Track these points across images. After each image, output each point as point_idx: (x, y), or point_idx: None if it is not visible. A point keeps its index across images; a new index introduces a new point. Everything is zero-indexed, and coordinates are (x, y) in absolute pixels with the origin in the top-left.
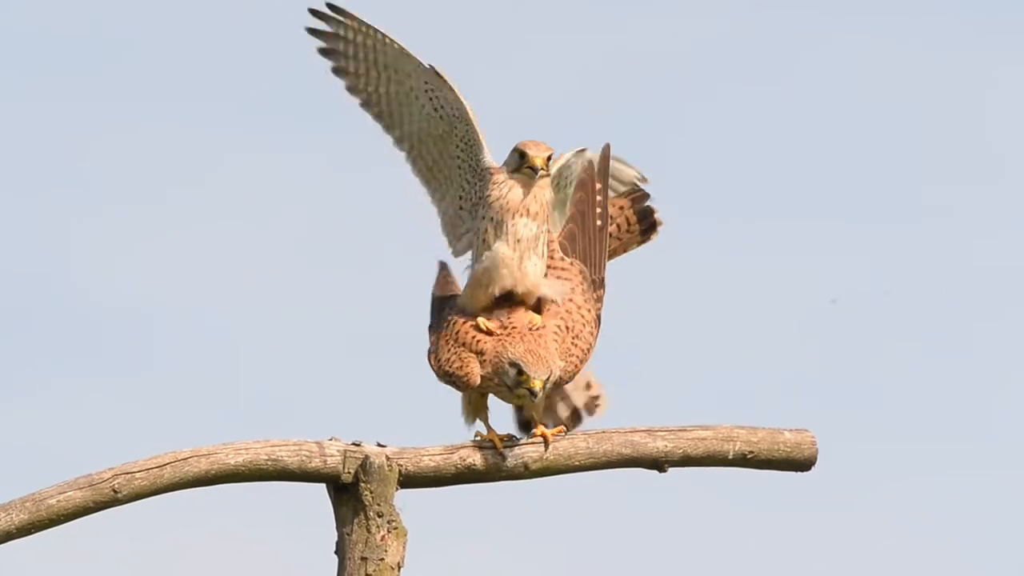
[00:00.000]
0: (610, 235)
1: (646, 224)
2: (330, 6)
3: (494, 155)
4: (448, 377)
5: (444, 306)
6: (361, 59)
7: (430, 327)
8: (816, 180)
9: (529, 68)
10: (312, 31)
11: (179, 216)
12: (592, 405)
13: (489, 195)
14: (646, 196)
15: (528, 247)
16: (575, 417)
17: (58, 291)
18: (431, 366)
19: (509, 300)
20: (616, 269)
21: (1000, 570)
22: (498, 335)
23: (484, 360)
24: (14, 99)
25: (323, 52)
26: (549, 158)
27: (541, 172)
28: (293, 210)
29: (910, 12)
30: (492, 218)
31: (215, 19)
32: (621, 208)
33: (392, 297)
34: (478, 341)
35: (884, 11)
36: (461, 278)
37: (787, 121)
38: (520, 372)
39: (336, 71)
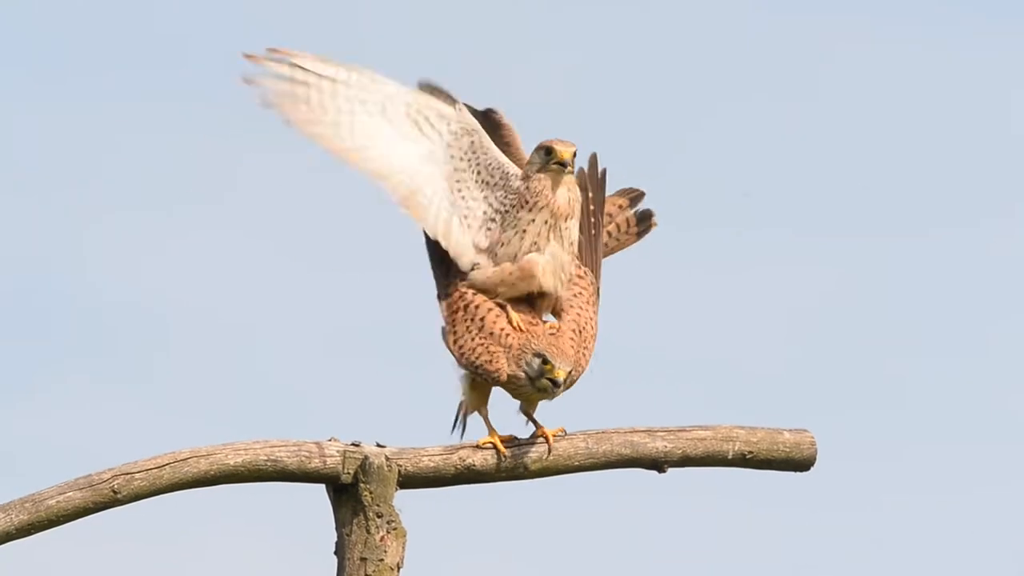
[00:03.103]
0: (609, 235)
1: (643, 226)
2: (271, 50)
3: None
4: (474, 368)
5: (449, 269)
6: (317, 103)
7: (439, 295)
8: (818, 183)
9: (531, 69)
10: (250, 80)
11: (179, 219)
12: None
13: (538, 201)
14: (642, 195)
15: (575, 250)
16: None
17: (58, 293)
18: (449, 348)
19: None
20: (617, 269)
21: (1001, 570)
22: (523, 330)
23: (511, 356)
24: (29, 100)
25: (266, 103)
26: (575, 154)
27: (569, 168)
28: (293, 211)
29: (918, 18)
30: (546, 222)
31: (229, 21)
32: (620, 207)
33: (392, 297)
34: (507, 335)
35: (888, 19)
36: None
37: (789, 128)
38: (545, 361)
39: (288, 121)
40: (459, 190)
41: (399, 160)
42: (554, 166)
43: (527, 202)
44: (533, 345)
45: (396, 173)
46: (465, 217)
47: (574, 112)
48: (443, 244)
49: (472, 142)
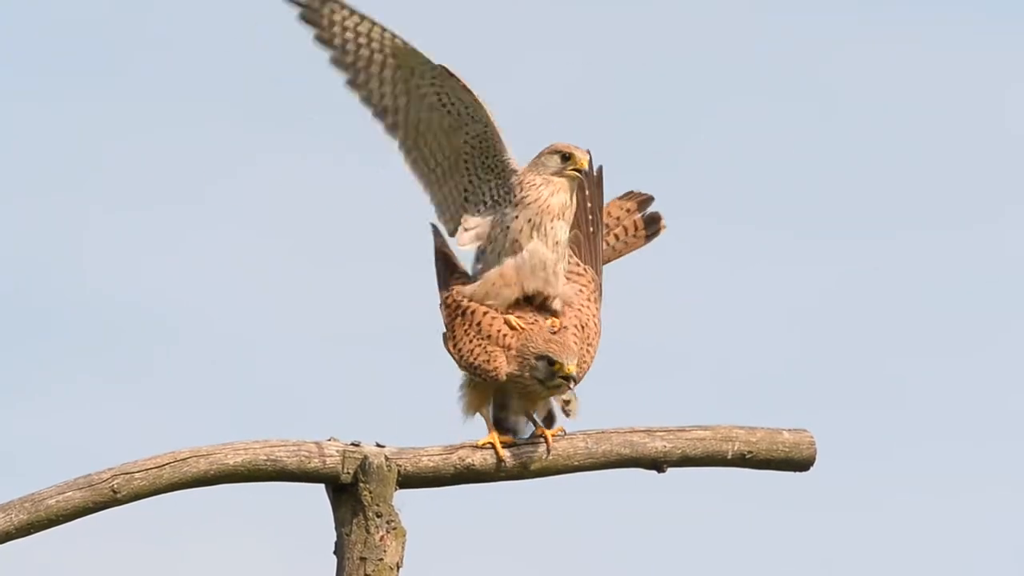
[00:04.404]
0: (616, 238)
1: (652, 229)
2: None
3: (516, 155)
4: (472, 369)
5: (450, 277)
6: (357, 47)
7: (440, 304)
8: (818, 183)
9: (531, 69)
10: (305, 17)
11: (179, 218)
12: (566, 409)
13: (526, 196)
14: (651, 199)
15: (564, 250)
16: (550, 419)
17: (58, 293)
18: (449, 352)
19: (528, 299)
20: (617, 268)
21: (1001, 570)
22: (520, 330)
23: (510, 356)
24: (30, 99)
25: (319, 40)
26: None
27: (584, 175)
28: (293, 210)
29: (917, 19)
30: (530, 220)
31: (228, 21)
32: (628, 211)
33: (392, 297)
34: (504, 335)
35: (886, 19)
36: (463, 259)
37: (788, 128)
38: (551, 363)
39: (333, 61)
40: (467, 168)
41: (426, 125)
42: (571, 172)
43: (514, 198)
44: (532, 349)
45: (421, 137)
46: (466, 190)
47: (574, 112)
48: (440, 209)
49: (484, 130)
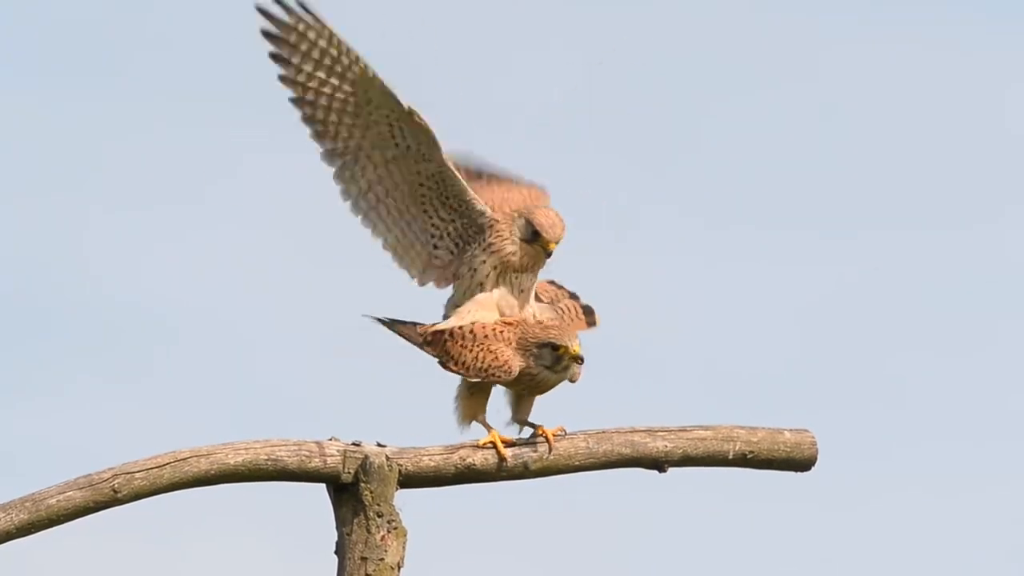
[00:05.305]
0: (564, 310)
1: (590, 319)
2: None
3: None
4: (485, 372)
5: (416, 327)
6: (323, 76)
7: (421, 345)
8: (818, 183)
9: (533, 68)
10: (268, 34)
11: (179, 218)
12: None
13: (492, 244)
14: (576, 296)
15: (529, 295)
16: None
17: (58, 293)
18: (454, 371)
19: None
20: (616, 267)
21: (1001, 569)
22: (514, 324)
23: (513, 351)
24: (30, 97)
25: (274, 57)
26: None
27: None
28: (294, 210)
29: (917, 18)
30: (496, 267)
31: (228, 21)
32: (560, 295)
33: (392, 297)
34: (501, 332)
35: (885, 19)
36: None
37: (784, 126)
38: (555, 347)
39: (284, 80)
40: (425, 210)
41: (379, 164)
42: (538, 248)
43: (483, 241)
44: (531, 340)
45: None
46: (432, 235)
47: (575, 111)
48: (398, 256)
49: (441, 172)
